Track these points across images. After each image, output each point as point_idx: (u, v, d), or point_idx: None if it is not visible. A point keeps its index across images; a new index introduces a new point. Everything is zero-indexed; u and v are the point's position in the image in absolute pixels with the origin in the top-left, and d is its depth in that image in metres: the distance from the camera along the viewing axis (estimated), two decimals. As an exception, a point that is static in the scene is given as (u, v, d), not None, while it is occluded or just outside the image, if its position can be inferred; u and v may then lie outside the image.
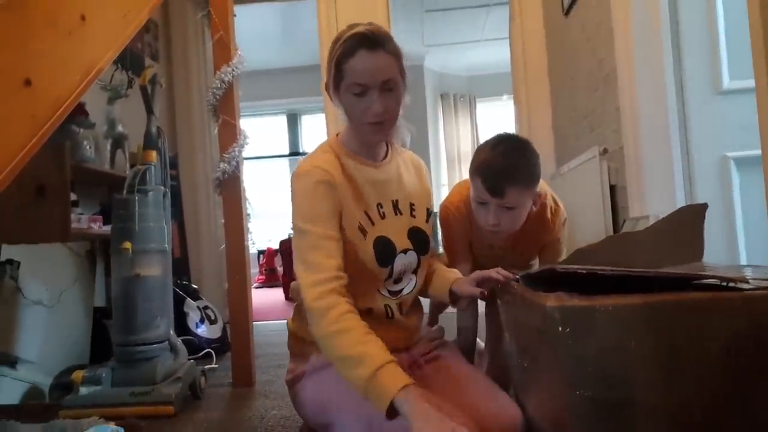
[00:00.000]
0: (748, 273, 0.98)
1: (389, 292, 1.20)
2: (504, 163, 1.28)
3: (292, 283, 2.37)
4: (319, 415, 1.16)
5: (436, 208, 1.37)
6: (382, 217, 1.18)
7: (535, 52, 3.46)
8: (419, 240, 1.22)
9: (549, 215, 1.51)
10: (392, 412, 0.90)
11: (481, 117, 7.14)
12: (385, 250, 1.16)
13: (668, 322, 0.81)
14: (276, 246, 6.46)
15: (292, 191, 1.15)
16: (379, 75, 1.08)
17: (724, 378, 0.81)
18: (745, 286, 0.85)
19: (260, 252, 6.98)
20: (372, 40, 1.07)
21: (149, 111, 2.17)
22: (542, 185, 1.42)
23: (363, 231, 1.15)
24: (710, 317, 0.82)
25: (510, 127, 4.21)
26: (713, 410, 0.82)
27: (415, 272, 1.23)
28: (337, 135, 1.24)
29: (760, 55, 1.14)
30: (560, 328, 0.83)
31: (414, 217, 1.24)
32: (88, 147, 2.41)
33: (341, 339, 0.99)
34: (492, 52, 5.99)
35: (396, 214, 1.21)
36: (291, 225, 1.15)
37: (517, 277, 1.11)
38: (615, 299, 0.82)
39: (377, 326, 1.17)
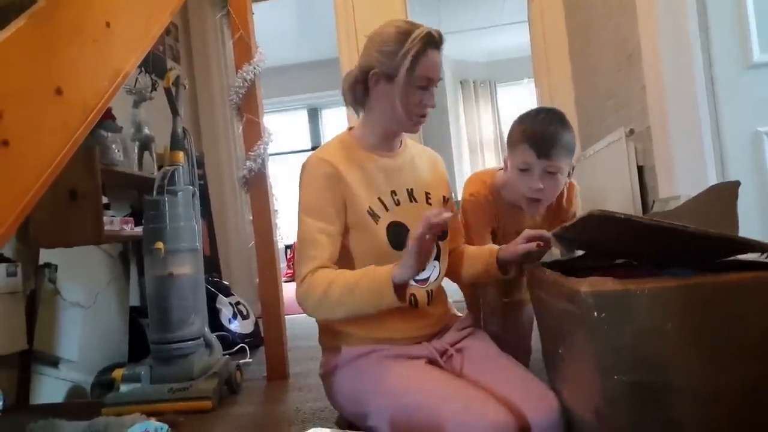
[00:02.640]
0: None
1: (415, 280, 1.21)
2: (550, 128, 1.39)
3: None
4: (355, 405, 1.17)
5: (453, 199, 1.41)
6: (397, 204, 1.23)
7: (555, 34, 3.40)
8: None
9: (565, 190, 1.57)
10: (399, 292, 1.05)
11: (502, 102, 7.05)
12: (398, 234, 1.19)
13: (706, 304, 0.80)
14: (302, 240, 6.49)
15: (298, 182, 1.21)
16: (440, 72, 1.21)
17: (764, 361, 0.80)
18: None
19: (287, 246, 7.04)
20: (438, 42, 1.20)
21: (174, 112, 2.20)
22: None
23: (375, 216, 1.19)
24: (751, 298, 0.80)
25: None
26: (753, 394, 0.81)
27: (437, 258, 1.26)
28: (350, 129, 1.29)
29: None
30: (595, 314, 0.82)
31: (430, 204, 1.28)
32: (116, 150, 2.45)
33: (333, 288, 1.07)
34: (511, 36, 5.89)
35: (411, 201, 1.25)
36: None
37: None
38: (651, 282, 0.81)
39: (401, 315, 1.19)
